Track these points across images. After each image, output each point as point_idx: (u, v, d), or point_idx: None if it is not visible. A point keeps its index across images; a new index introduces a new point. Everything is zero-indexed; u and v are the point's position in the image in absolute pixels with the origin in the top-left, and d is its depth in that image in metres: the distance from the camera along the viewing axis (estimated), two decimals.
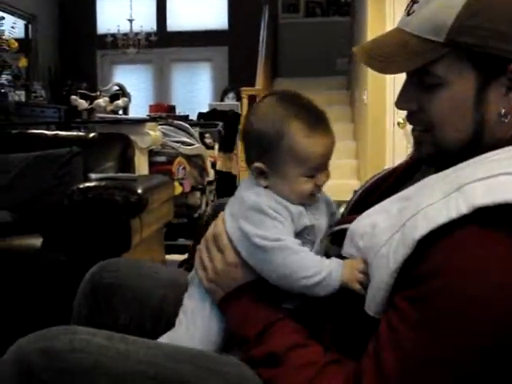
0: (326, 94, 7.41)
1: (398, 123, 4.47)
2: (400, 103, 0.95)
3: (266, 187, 1.02)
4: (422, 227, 0.80)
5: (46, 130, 3.66)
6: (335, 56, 8.97)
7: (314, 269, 0.93)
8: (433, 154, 0.94)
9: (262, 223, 0.97)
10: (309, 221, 1.01)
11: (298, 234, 1.00)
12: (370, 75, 4.83)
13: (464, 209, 0.78)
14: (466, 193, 0.79)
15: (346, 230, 0.96)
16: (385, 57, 0.90)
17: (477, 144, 0.90)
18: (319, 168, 1.01)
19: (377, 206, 0.93)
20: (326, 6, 9.90)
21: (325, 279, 0.93)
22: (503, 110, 0.87)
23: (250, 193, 1.02)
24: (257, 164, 1.01)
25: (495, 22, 0.84)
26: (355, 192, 1.17)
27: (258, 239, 0.96)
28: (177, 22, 9.53)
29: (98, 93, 4.62)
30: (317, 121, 1.00)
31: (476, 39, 0.84)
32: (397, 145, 4.58)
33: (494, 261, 0.77)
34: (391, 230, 0.85)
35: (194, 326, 1.03)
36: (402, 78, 0.95)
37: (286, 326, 0.96)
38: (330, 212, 1.09)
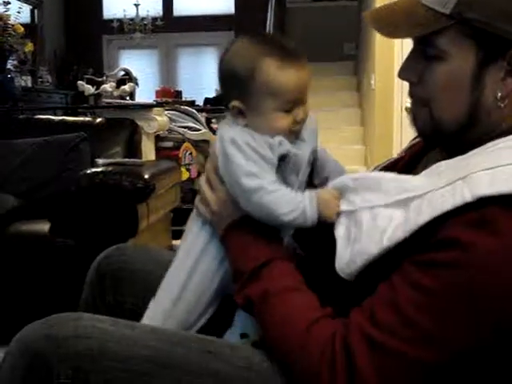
0: (333, 79, 7.36)
1: (406, 108, 4.44)
2: (402, 72, 0.96)
3: (244, 126, 1.02)
4: (426, 213, 0.81)
5: (53, 115, 3.66)
6: (342, 40, 8.91)
7: (288, 207, 0.94)
8: (429, 132, 0.95)
9: (240, 160, 0.97)
10: (290, 149, 1.01)
11: (280, 165, 1.00)
12: (378, 60, 4.79)
13: (469, 197, 0.78)
14: (472, 182, 0.80)
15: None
16: (393, 24, 0.91)
17: (472, 126, 0.90)
18: (295, 102, 1.00)
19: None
20: None
21: (301, 215, 0.94)
22: (499, 94, 0.88)
23: (227, 130, 1.01)
24: (234, 103, 1.01)
25: (505, 2, 0.84)
26: None
27: (236, 177, 0.96)
28: (183, 6, 9.49)
29: (105, 78, 4.60)
30: (289, 55, 0.99)
31: (482, 16, 0.84)
32: (404, 130, 4.55)
33: None
34: (395, 206, 0.86)
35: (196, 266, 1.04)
36: None
37: (284, 266, 0.96)
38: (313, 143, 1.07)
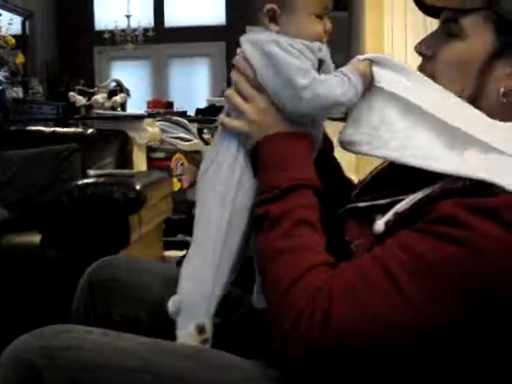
0: None
1: None
2: (419, 45, 1.00)
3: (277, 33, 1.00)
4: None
5: (44, 126, 3.66)
6: (333, 51, 8.95)
7: (342, 88, 0.95)
8: None
9: (289, 59, 0.95)
10: (327, 56, 1.01)
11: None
12: None
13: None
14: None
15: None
16: None
17: None
18: (326, 8, 1.02)
19: None
20: None
21: (354, 91, 0.96)
22: (502, 90, 0.91)
23: (261, 36, 1.00)
24: (268, 6, 1.00)
25: None
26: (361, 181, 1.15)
27: (288, 76, 0.94)
28: (174, 17, 9.51)
29: (96, 89, 4.61)
30: None
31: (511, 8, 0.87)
32: None
33: None
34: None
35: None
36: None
37: (312, 197, 0.94)
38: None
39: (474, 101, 0.92)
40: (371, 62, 0.99)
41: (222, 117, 1.04)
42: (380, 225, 0.90)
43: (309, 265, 0.86)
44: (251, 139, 0.99)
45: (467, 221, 0.78)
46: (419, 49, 1.00)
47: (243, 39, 1.02)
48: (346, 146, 1.05)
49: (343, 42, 8.03)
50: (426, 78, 0.96)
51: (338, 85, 0.95)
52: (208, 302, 1.00)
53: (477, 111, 0.92)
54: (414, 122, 0.94)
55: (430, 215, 0.82)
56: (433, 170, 0.89)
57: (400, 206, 0.88)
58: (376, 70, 0.99)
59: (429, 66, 0.98)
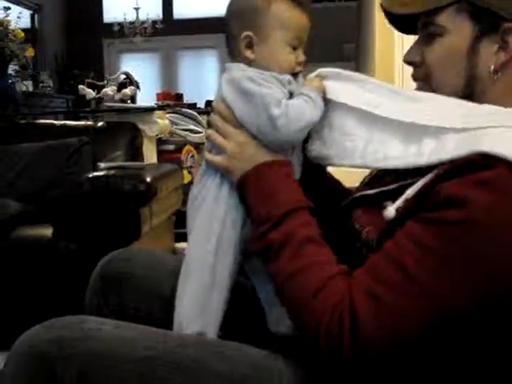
0: None
1: None
2: (406, 56, 1.03)
3: (250, 62, 1.06)
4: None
5: (55, 119, 3.67)
6: (342, 41, 8.91)
7: (309, 110, 1.01)
8: None
9: (263, 91, 1.00)
10: (296, 89, 1.05)
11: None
12: (378, 60, 4.79)
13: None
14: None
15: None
16: (399, 3, 1.00)
17: (469, 101, 0.95)
18: (300, 40, 1.08)
19: None
20: None
21: (320, 109, 1.02)
22: (492, 67, 0.94)
23: (235, 73, 1.05)
24: (246, 32, 1.05)
25: None
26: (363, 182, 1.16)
27: (263, 108, 0.98)
28: (183, 9, 9.50)
29: (106, 82, 4.61)
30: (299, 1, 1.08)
31: None
32: None
33: None
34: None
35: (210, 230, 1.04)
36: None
37: (308, 216, 0.96)
38: None
39: (472, 90, 0.95)
40: (322, 77, 1.05)
41: (205, 153, 1.08)
42: (391, 211, 0.91)
43: (327, 276, 0.87)
44: (233, 174, 1.02)
45: (464, 197, 0.79)
46: (407, 58, 1.03)
47: (223, 79, 1.06)
48: (315, 161, 1.09)
49: (353, 33, 7.99)
50: (377, 81, 1.02)
51: (305, 107, 1.01)
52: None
53: (434, 97, 0.96)
54: (369, 127, 0.99)
55: (432, 200, 0.83)
56: (394, 168, 0.94)
57: (410, 192, 0.89)
58: (327, 83, 1.05)
59: (420, 71, 1.01)
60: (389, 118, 0.96)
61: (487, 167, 0.80)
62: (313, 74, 1.07)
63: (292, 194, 0.98)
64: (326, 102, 1.04)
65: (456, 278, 0.79)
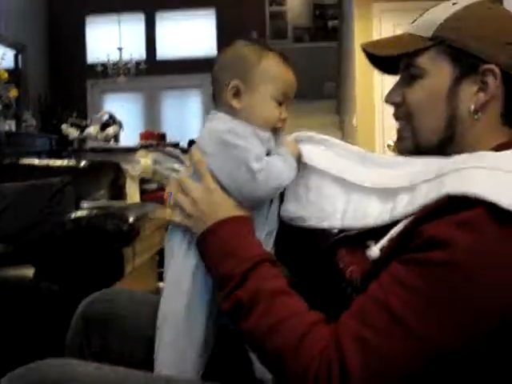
0: (315, 117, 7.45)
1: (388, 145, 4.48)
2: (387, 96, 1.06)
3: (235, 111, 1.07)
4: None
5: (38, 159, 3.66)
6: (323, 80, 9.04)
7: (285, 169, 1.04)
8: (411, 149, 1.02)
9: (245, 144, 1.02)
10: (273, 149, 1.07)
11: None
12: (359, 100, 4.86)
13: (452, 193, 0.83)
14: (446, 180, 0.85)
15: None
16: (384, 46, 1.04)
17: (450, 142, 0.97)
18: (286, 97, 1.10)
19: None
20: (314, 31, 10.01)
21: (295, 169, 1.06)
22: (472, 107, 0.95)
23: (217, 124, 1.07)
24: (235, 81, 1.07)
25: (475, 27, 0.95)
26: None
27: (243, 162, 1.00)
28: (166, 49, 9.60)
29: (89, 121, 4.63)
30: (285, 56, 1.12)
31: (457, 36, 0.95)
32: None
33: (507, 244, 0.79)
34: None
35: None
36: None
37: (273, 269, 0.95)
38: None
39: (452, 132, 0.97)
40: (297, 141, 1.09)
41: (167, 210, 1.09)
42: (375, 251, 0.91)
43: (308, 323, 0.85)
44: (193, 231, 1.03)
45: (446, 239, 0.79)
46: (388, 99, 1.05)
47: (205, 129, 1.09)
48: (289, 222, 1.09)
49: (333, 72, 8.12)
50: (348, 146, 1.07)
51: (283, 167, 1.04)
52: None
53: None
54: (346, 189, 1.02)
55: (415, 241, 0.83)
56: (374, 226, 0.95)
57: (394, 231, 0.89)
58: (302, 147, 1.09)
59: (401, 111, 1.03)
60: (357, 183, 1.00)
61: (467, 207, 0.80)
62: (290, 138, 1.11)
63: (251, 249, 0.96)
64: (301, 164, 1.08)
65: (443, 320, 0.78)
